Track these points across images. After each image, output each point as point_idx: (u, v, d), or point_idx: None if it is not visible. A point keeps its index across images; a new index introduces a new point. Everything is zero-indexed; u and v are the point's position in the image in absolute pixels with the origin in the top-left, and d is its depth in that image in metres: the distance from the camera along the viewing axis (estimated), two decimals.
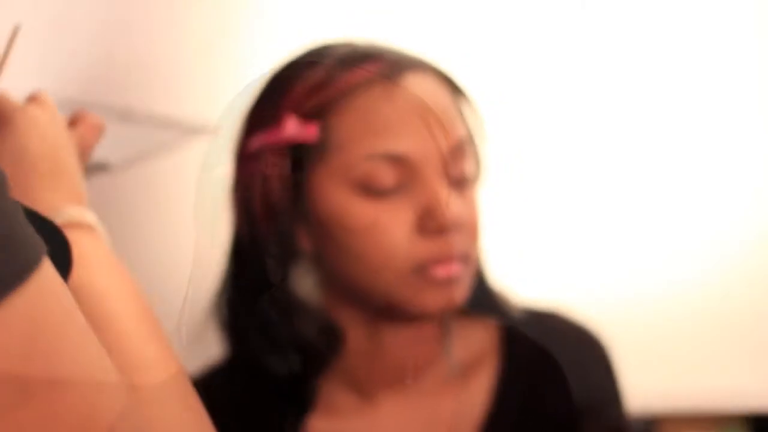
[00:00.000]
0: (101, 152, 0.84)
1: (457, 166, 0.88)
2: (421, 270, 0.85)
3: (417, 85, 0.89)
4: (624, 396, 1.02)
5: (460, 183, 0.89)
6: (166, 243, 1.44)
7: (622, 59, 1.45)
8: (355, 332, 0.93)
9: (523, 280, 1.04)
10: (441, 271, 0.85)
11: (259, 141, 0.89)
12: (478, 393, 0.97)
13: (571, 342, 1.00)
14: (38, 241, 0.44)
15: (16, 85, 0.91)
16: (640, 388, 1.38)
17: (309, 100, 0.87)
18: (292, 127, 0.86)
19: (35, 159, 0.71)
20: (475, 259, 0.89)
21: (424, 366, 0.96)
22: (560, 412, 0.97)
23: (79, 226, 0.68)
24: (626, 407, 1.02)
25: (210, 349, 0.99)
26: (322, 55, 0.90)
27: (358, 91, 0.87)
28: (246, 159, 0.90)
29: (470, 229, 0.88)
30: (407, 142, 0.85)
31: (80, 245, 0.65)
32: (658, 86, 1.46)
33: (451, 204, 0.84)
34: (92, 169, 0.83)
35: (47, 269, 0.44)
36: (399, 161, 0.85)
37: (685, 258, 1.48)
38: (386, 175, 0.85)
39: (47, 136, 0.73)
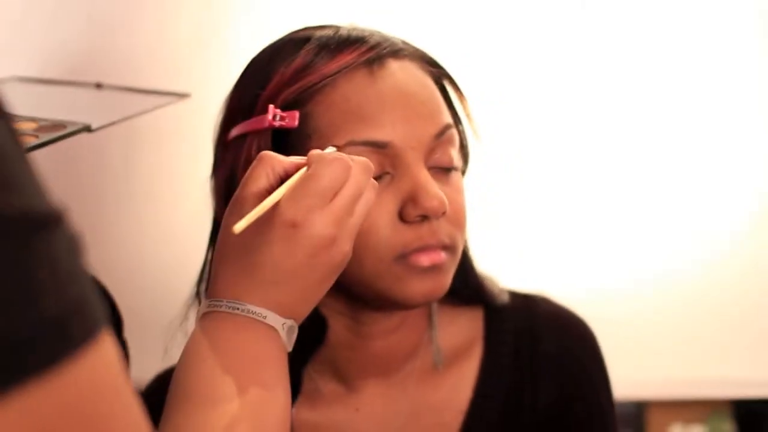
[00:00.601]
0: (83, 116, 0.86)
1: (441, 153, 0.87)
2: (405, 258, 0.84)
3: (400, 71, 0.87)
4: (610, 381, 1.01)
5: (445, 170, 0.87)
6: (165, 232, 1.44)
7: (620, 59, 1.45)
8: (339, 321, 0.92)
9: (515, 267, 1.03)
10: (424, 259, 0.84)
11: (241, 128, 0.88)
12: (464, 380, 0.96)
13: (558, 327, 0.99)
14: (103, 308, 0.45)
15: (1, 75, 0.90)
16: (629, 375, 1.38)
17: (290, 86, 0.86)
18: (274, 115, 0.85)
19: None
20: (460, 247, 0.88)
21: (409, 355, 0.95)
22: (547, 398, 0.96)
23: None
24: (613, 392, 1.01)
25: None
26: (304, 41, 0.89)
27: (340, 77, 0.85)
28: (228, 145, 0.89)
29: (455, 217, 0.86)
30: (389, 130, 0.84)
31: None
32: (653, 85, 1.46)
33: (435, 191, 0.83)
34: (76, 130, 0.84)
35: (109, 336, 0.45)
36: (381, 149, 0.84)
37: (673, 249, 1.48)
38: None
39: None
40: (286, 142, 0.85)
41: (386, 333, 0.93)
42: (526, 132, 1.45)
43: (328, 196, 0.72)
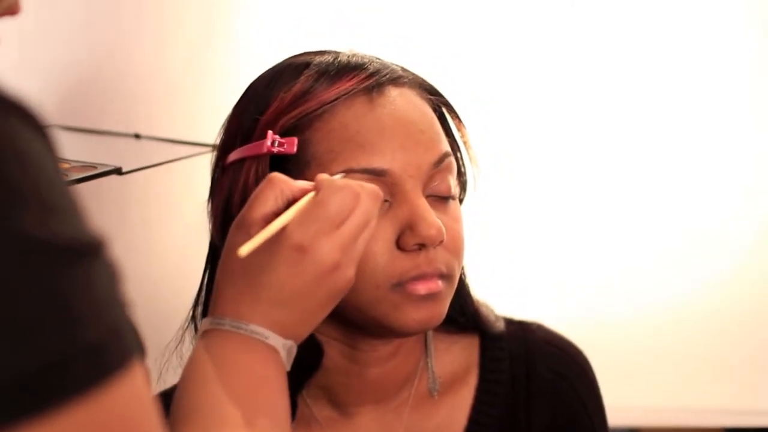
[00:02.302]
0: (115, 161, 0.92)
1: (439, 181, 0.87)
2: (402, 286, 0.84)
3: (399, 98, 0.87)
4: (604, 408, 1.01)
5: (443, 199, 0.87)
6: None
7: (613, 59, 1.45)
8: (334, 347, 0.92)
9: (509, 297, 1.03)
10: (421, 288, 0.84)
11: (239, 152, 0.88)
12: (459, 408, 0.96)
13: (553, 354, 0.99)
14: (137, 336, 0.47)
15: None
16: (622, 402, 1.38)
17: (289, 112, 0.86)
18: (273, 141, 0.85)
19: None
20: (457, 276, 0.88)
21: (404, 382, 0.95)
22: (541, 425, 0.96)
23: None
24: (607, 420, 1.01)
25: None
26: (303, 66, 0.89)
27: (339, 104, 0.85)
28: (226, 168, 0.89)
29: (453, 246, 0.86)
30: (388, 158, 0.84)
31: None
32: (653, 91, 1.45)
33: (433, 220, 0.83)
34: (107, 171, 0.89)
35: (141, 363, 0.46)
36: (380, 176, 0.83)
37: (669, 276, 1.48)
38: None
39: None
40: (284, 167, 0.85)
41: (382, 360, 0.93)
42: (515, 132, 1.45)
43: (335, 222, 0.73)
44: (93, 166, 0.90)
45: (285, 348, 0.74)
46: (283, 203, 0.75)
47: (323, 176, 0.77)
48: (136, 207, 1.45)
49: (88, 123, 1.28)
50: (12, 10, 0.60)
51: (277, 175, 0.77)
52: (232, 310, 0.74)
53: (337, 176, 0.81)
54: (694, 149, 1.47)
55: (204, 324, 0.76)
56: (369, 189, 0.76)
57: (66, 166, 0.90)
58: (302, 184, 0.77)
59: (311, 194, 0.75)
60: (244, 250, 0.70)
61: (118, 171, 0.91)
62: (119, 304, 0.46)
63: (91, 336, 0.42)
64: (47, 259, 0.41)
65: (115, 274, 0.46)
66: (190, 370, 0.74)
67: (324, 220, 0.73)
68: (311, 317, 0.75)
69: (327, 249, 0.73)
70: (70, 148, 1.00)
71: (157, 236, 1.45)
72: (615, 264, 1.49)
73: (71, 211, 0.44)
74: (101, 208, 1.42)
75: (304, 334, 0.76)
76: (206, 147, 1.02)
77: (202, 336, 0.75)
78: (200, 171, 0.99)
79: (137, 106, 1.38)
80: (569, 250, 1.48)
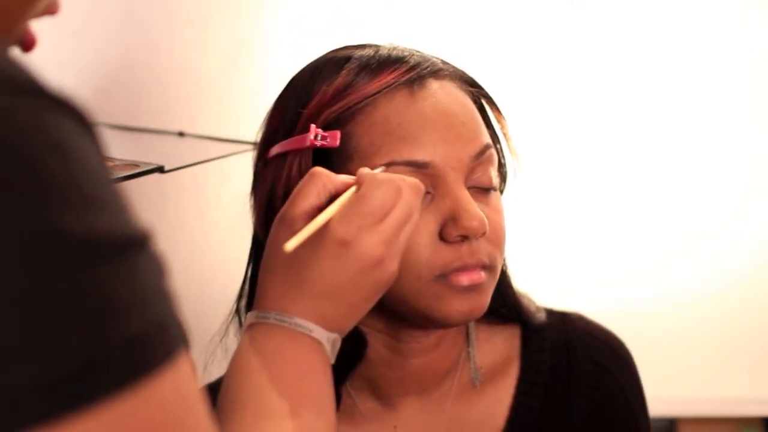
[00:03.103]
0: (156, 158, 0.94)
1: (481, 173, 0.87)
2: (445, 277, 0.84)
3: (440, 91, 0.88)
4: (645, 399, 1.01)
5: (485, 190, 0.88)
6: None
7: (612, 61, 1.45)
8: (377, 339, 0.92)
9: (534, 290, 1.04)
10: (464, 279, 0.84)
11: (282, 146, 0.88)
12: (501, 398, 0.97)
13: (594, 345, 1.00)
14: (183, 328, 0.47)
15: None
16: (661, 392, 1.38)
17: (331, 106, 0.86)
18: (315, 134, 0.86)
19: None
20: (499, 267, 0.88)
21: (446, 372, 0.96)
22: (582, 416, 0.96)
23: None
24: (647, 410, 1.01)
25: None
26: (345, 60, 0.90)
27: (381, 97, 0.86)
28: (268, 162, 0.90)
29: (494, 237, 0.87)
30: (430, 150, 0.84)
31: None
32: (665, 97, 1.46)
33: (476, 212, 0.83)
34: (149, 170, 0.90)
35: (187, 356, 0.46)
36: (422, 168, 0.84)
37: (705, 264, 1.48)
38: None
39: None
40: (326, 161, 0.86)
41: (424, 351, 0.93)
42: (515, 132, 1.45)
43: (378, 216, 0.74)
44: (136, 164, 0.91)
45: (329, 341, 0.75)
46: (325, 197, 0.76)
47: (365, 170, 0.78)
48: (176, 203, 1.46)
49: (130, 121, 1.29)
50: (51, 9, 0.60)
51: (319, 170, 0.78)
52: (277, 303, 0.75)
53: (378, 170, 0.81)
54: (694, 149, 1.47)
55: (249, 317, 0.77)
56: (410, 183, 0.77)
57: (110, 164, 0.91)
58: (344, 178, 0.78)
59: (353, 188, 0.76)
60: (290, 245, 0.71)
61: (160, 169, 0.92)
62: (165, 297, 0.46)
63: (134, 329, 0.42)
64: (85, 254, 0.41)
65: (161, 268, 0.46)
66: (235, 363, 0.75)
67: (367, 214, 0.74)
68: (355, 310, 0.76)
69: (370, 243, 0.74)
70: (112, 146, 1.01)
71: (200, 232, 1.46)
72: (648, 254, 1.48)
73: (115, 205, 0.44)
74: (142, 204, 1.43)
75: (349, 327, 0.77)
76: (248, 144, 1.03)
77: (248, 329, 0.76)
78: (239, 165, 1.00)
79: (179, 104, 1.40)
80: (569, 251, 1.49)
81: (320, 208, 0.75)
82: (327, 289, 0.74)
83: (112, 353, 0.41)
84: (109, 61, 1.41)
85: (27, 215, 0.40)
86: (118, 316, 0.42)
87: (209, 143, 1.09)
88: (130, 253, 0.44)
